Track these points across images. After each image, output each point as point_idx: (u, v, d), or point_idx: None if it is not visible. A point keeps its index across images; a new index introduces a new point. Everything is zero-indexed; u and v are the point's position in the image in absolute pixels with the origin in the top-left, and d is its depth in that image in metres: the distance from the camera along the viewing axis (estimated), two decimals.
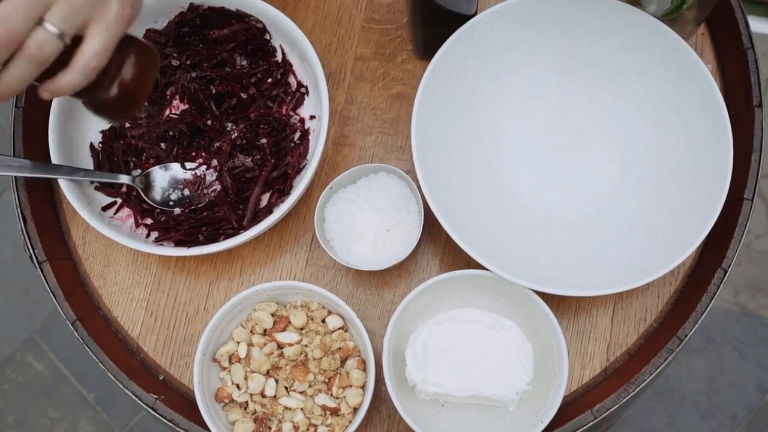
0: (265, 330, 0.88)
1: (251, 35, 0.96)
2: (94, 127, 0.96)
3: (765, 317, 1.79)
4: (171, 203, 0.93)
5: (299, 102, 0.96)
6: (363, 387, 0.86)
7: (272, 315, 0.88)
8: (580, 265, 0.89)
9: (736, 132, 0.89)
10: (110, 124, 0.96)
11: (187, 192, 0.94)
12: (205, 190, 0.94)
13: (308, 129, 0.96)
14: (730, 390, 1.76)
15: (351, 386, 0.86)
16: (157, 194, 0.93)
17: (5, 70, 0.63)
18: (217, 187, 0.93)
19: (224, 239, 0.90)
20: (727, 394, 1.76)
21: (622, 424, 1.73)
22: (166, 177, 0.94)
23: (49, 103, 0.92)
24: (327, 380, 0.87)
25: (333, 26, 1.01)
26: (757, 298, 1.80)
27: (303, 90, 0.97)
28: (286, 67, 0.97)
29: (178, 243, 0.91)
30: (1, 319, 1.87)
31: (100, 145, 0.96)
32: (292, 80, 0.97)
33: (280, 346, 0.88)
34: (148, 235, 0.93)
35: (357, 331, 0.87)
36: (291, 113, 0.96)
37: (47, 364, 1.85)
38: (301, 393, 0.86)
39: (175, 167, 0.94)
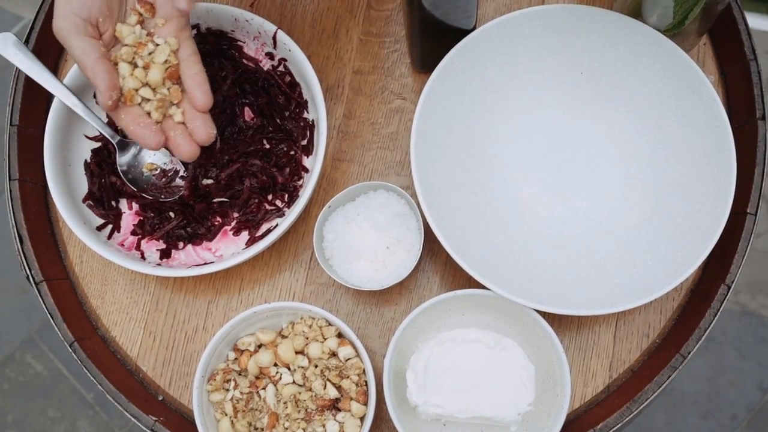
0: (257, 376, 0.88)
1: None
2: (88, 145, 0.95)
3: (765, 316, 1.79)
4: (130, 177, 0.91)
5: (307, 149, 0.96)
6: (362, 418, 0.86)
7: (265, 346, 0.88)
8: (582, 282, 0.88)
9: (739, 145, 0.88)
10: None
11: (154, 179, 0.92)
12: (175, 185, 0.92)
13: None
14: (731, 389, 1.76)
15: (352, 416, 0.86)
16: (126, 160, 0.91)
17: None
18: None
19: (222, 258, 0.89)
20: (727, 394, 1.76)
21: None
22: (145, 154, 0.91)
23: (45, 120, 0.91)
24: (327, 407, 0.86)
25: (330, 40, 1.00)
26: (757, 298, 1.80)
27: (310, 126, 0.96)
28: (301, 105, 0.96)
29: (163, 254, 0.91)
30: (0, 319, 1.87)
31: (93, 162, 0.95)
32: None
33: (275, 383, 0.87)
34: (142, 237, 0.93)
35: (358, 352, 0.87)
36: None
37: (46, 363, 1.85)
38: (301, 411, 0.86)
39: (159, 154, 0.92)
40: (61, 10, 0.77)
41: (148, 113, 0.81)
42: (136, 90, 0.80)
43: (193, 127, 0.82)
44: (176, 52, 0.82)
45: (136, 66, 0.81)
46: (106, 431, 1.82)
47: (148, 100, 0.81)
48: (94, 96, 0.95)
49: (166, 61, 0.81)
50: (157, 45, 0.81)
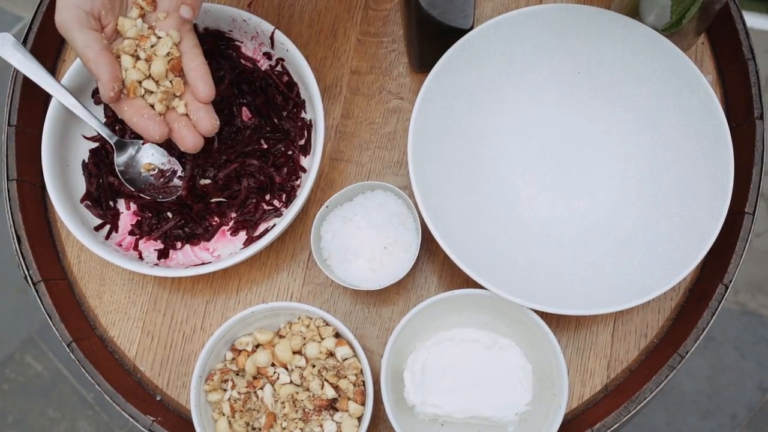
0: (254, 376, 0.88)
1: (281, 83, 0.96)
2: (86, 145, 0.95)
3: (765, 316, 1.79)
4: (127, 177, 0.91)
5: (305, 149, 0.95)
6: (360, 418, 0.86)
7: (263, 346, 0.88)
8: (579, 282, 0.88)
9: (737, 144, 0.88)
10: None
11: (152, 180, 0.92)
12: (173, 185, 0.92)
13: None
14: (731, 389, 1.76)
15: (349, 416, 0.85)
16: (124, 160, 0.91)
17: None
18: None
19: (219, 258, 0.89)
20: (727, 394, 1.76)
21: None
22: (143, 155, 0.91)
23: (42, 120, 0.91)
24: (324, 407, 0.86)
25: (328, 40, 1.00)
26: (757, 297, 1.79)
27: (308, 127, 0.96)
28: (299, 105, 0.96)
29: (161, 254, 0.91)
30: (0, 319, 1.87)
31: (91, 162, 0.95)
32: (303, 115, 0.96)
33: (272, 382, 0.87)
34: (139, 237, 0.93)
35: (355, 351, 0.86)
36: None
37: (46, 364, 1.84)
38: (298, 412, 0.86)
39: (157, 154, 0.92)
40: (63, 3, 0.78)
41: (151, 105, 0.82)
42: (139, 82, 0.81)
43: (196, 118, 0.83)
44: (178, 44, 0.82)
45: (138, 58, 0.81)
46: (106, 431, 1.82)
47: (151, 92, 0.82)
48: (92, 96, 0.95)
49: (168, 54, 0.82)
50: (159, 38, 0.82)
